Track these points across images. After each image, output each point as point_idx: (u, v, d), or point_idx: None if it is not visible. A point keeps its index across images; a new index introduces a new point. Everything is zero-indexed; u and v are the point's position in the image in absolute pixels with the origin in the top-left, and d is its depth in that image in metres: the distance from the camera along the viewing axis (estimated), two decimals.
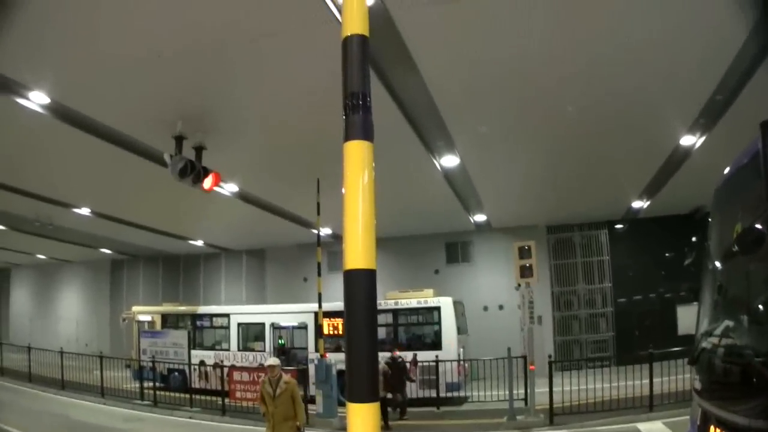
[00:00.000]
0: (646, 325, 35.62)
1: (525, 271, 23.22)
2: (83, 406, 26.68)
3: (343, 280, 5.01)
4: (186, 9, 13.65)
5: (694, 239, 30.21)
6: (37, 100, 17.93)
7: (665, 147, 24.07)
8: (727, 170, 8.41)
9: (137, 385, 31.58)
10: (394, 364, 24.48)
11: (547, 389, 22.26)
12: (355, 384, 4.92)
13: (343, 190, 5.06)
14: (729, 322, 7.98)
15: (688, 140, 22.88)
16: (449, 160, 24.50)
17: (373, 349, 5.11)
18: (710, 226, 8.95)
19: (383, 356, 24.51)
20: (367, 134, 5.10)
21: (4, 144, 21.79)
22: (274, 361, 15.61)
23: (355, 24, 5.19)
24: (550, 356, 25.76)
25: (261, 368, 28.11)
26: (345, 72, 5.19)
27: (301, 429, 14.89)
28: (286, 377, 15.28)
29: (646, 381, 22.01)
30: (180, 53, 15.46)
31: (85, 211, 34.30)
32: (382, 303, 29.83)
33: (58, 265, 59.97)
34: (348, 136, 5.09)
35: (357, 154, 5.05)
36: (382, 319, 29.68)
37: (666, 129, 22.00)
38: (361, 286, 4.95)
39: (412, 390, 27.12)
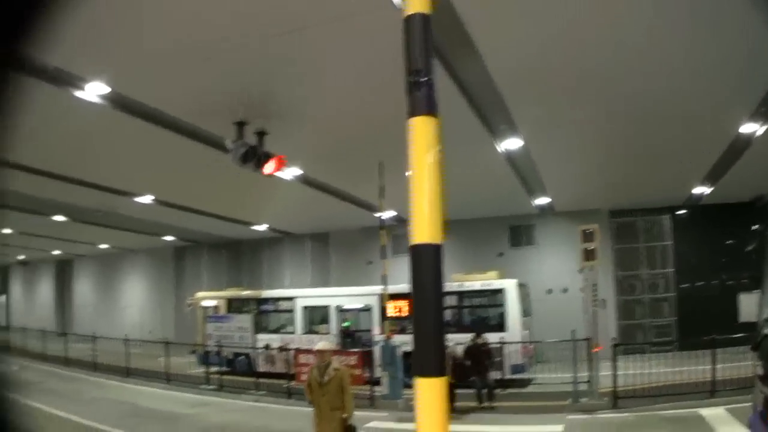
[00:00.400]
0: (708, 311, 34.98)
1: (588, 255, 23.33)
2: (149, 393, 26.91)
3: (410, 255, 5.10)
4: None
5: (756, 226, 30.08)
6: (96, 91, 18.23)
7: (726, 134, 24.01)
8: None
9: (203, 370, 32.00)
10: (475, 347, 24.40)
11: (610, 373, 22.32)
12: (423, 358, 5.05)
13: (410, 165, 5.12)
14: None
15: (749, 128, 22.82)
16: (512, 143, 24.46)
17: (440, 322, 5.31)
18: None
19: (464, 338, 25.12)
20: (431, 109, 5.12)
21: (65, 137, 22.15)
22: (324, 344, 14.60)
23: (417, 2, 5.24)
24: (614, 339, 25.68)
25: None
26: (407, 49, 5.27)
27: (348, 421, 13.32)
28: (336, 363, 14.08)
29: (708, 367, 22.01)
30: (241, 41, 15.51)
31: (147, 199, 34.61)
32: (448, 285, 29.43)
33: (120, 255, 60.76)
34: (413, 112, 5.13)
35: (423, 129, 5.09)
36: (447, 301, 29.75)
37: (726, 117, 21.93)
38: (427, 260, 5.04)
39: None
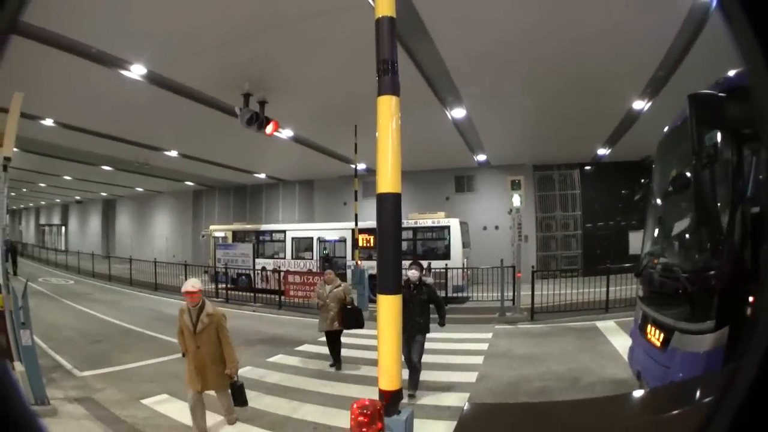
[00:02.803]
0: (606, 246, 36.45)
1: (515, 199, 23.53)
2: (172, 303, 26.85)
3: (376, 201, 5.58)
4: None
5: (642, 180, 30.15)
6: (137, 71, 19.11)
7: (621, 108, 24.76)
8: (666, 129, 8.61)
9: (213, 286, 32.42)
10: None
11: (530, 293, 22.82)
12: (384, 280, 5.54)
13: (377, 133, 5.59)
14: (664, 245, 8.78)
15: (639, 104, 23.59)
16: (458, 112, 24.73)
17: (398, 253, 5.73)
18: (653, 171, 9.17)
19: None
20: (395, 90, 5.59)
21: (112, 104, 22.55)
22: (191, 284, 10.18)
23: (385, 7, 5.64)
24: (533, 267, 26.01)
25: (310, 272, 29.50)
26: (378, 44, 5.65)
27: (233, 376, 10.12)
28: (210, 307, 10.18)
29: (604, 289, 22.64)
30: (248, 31, 16.14)
31: (173, 153, 35.04)
32: (404, 222, 30.13)
33: (151, 196, 61.55)
34: (380, 92, 5.58)
35: (387, 106, 5.55)
36: (404, 235, 29.79)
37: (621, 94, 22.69)
38: (388, 205, 5.51)
39: None
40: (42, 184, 56.73)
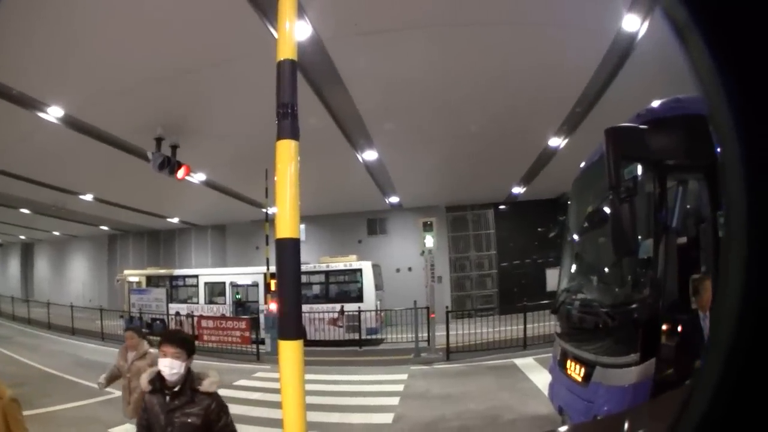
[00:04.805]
0: (523, 284, 36.23)
1: (427, 241, 23.59)
2: (88, 347, 27.20)
3: (276, 247, 5.41)
4: (161, 43, 14.40)
5: (559, 218, 30.61)
6: (54, 114, 18.92)
7: (537, 146, 24.95)
8: (582, 165, 8.55)
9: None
10: None
11: (445, 333, 22.69)
12: (284, 325, 5.28)
13: (275, 178, 5.45)
14: (581, 281, 8.82)
15: (555, 141, 23.79)
16: (369, 155, 24.87)
17: (298, 298, 5.58)
18: (569, 208, 9.16)
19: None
20: (294, 134, 5.39)
21: (30, 147, 22.26)
22: None
23: (286, 50, 5.48)
24: (447, 307, 26.04)
25: (223, 317, 29.64)
26: (278, 87, 5.47)
27: None
28: None
29: (522, 326, 22.65)
30: (157, 78, 16.25)
31: (89, 197, 34.71)
32: (316, 266, 30.90)
33: (68, 240, 60.92)
34: (279, 136, 5.40)
35: (286, 150, 5.38)
36: (316, 278, 30.90)
37: (537, 133, 22.92)
38: (287, 250, 5.29)
39: (340, 334, 28.35)
40: None
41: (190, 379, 5.42)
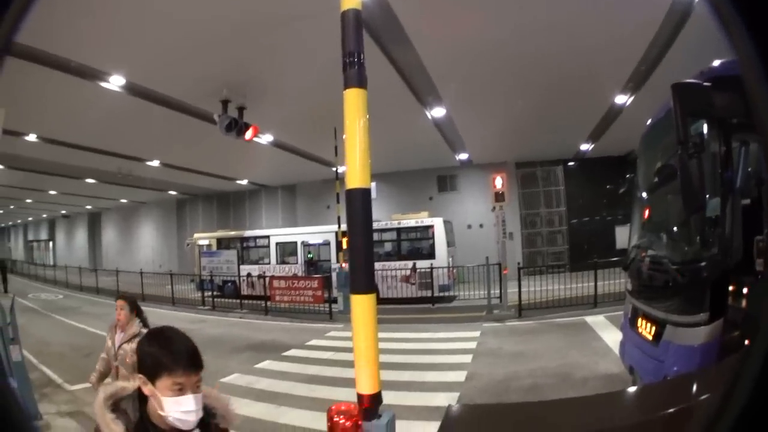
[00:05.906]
0: (592, 241, 36.45)
1: (498, 197, 23.50)
2: (159, 313, 26.59)
3: (345, 198, 5.29)
4: (224, 3, 14.37)
5: (627, 175, 30.36)
6: (116, 83, 19.12)
7: (603, 103, 24.92)
8: (649, 121, 8.57)
9: (199, 294, 32.55)
10: None
11: (517, 290, 22.87)
12: (356, 279, 5.14)
13: (344, 128, 5.29)
14: (651, 237, 8.73)
15: (621, 99, 23.74)
16: (438, 111, 24.78)
17: (370, 251, 5.32)
18: (638, 165, 9.15)
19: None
20: (361, 83, 5.24)
21: (92, 116, 22.64)
22: None
23: (351, 0, 5.36)
24: (519, 263, 26.32)
25: (295, 277, 29.58)
26: (343, 36, 5.36)
27: None
28: None
29: (592, 284, 22.50)
30: (224, 39, 16.21)
31: (155, 163, 34.99)
32: (388, 223, 30.99)
33: (136, 207, 61.43)
34: (346, 85, 5.25)
35: (354, 98, 5.22)
36: (387, 235, 31.09)
37: (604, 90, 22.81)
38: (358, 201, 5.15)
39: (413, 291, 28.38)
40: (28, 200, 57.01)
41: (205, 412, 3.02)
